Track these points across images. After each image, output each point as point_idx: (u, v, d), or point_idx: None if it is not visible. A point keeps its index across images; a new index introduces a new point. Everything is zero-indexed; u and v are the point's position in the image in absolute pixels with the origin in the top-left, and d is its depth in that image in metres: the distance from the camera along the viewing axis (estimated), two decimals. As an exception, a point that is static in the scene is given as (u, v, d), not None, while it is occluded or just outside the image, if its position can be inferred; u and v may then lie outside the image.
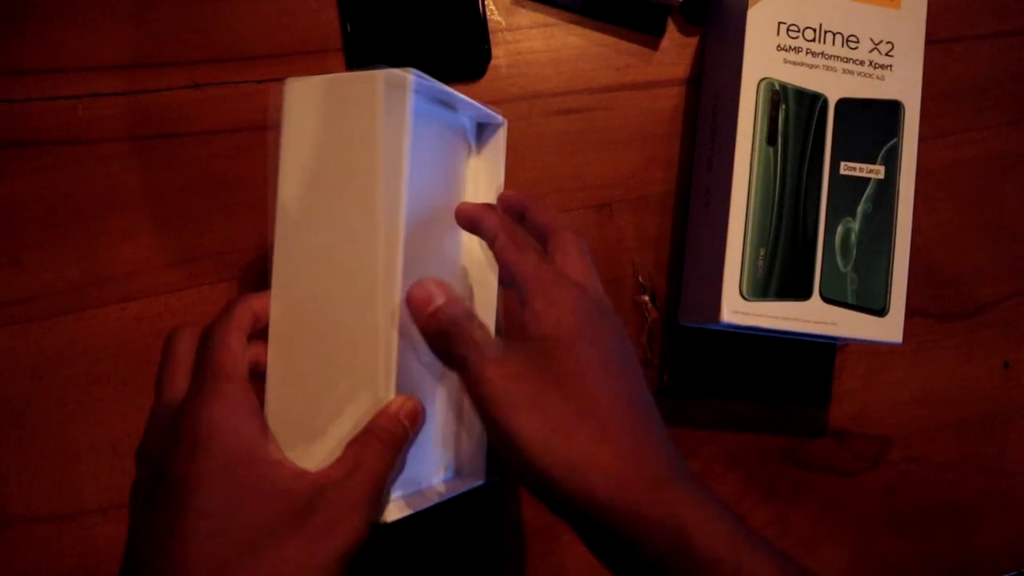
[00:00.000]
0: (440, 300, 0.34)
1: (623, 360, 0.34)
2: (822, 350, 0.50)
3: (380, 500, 0.34)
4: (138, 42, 0.46)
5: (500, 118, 0.42)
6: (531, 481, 0.32)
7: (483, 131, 0.43)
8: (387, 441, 0.34)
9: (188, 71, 0.46)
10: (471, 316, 0.34)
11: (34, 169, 0.45)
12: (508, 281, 0.36)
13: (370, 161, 0.34)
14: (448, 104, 0.40)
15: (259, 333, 0.36)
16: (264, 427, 0.34)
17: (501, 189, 0.42)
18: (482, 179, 0.43)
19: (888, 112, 0.45)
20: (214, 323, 0.35)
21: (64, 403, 0.45)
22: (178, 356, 0.36)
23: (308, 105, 0.36)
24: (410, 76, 0.35)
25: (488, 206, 0.38)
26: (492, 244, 0.36)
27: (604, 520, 0.31)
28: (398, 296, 0.34)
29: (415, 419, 0.35)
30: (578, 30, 0.49)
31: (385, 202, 0.34)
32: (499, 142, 0.43)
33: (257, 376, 0.36)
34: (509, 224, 0.37)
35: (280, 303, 0.36)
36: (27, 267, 0.45)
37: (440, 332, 0.34)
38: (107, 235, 0.46)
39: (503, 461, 0.33)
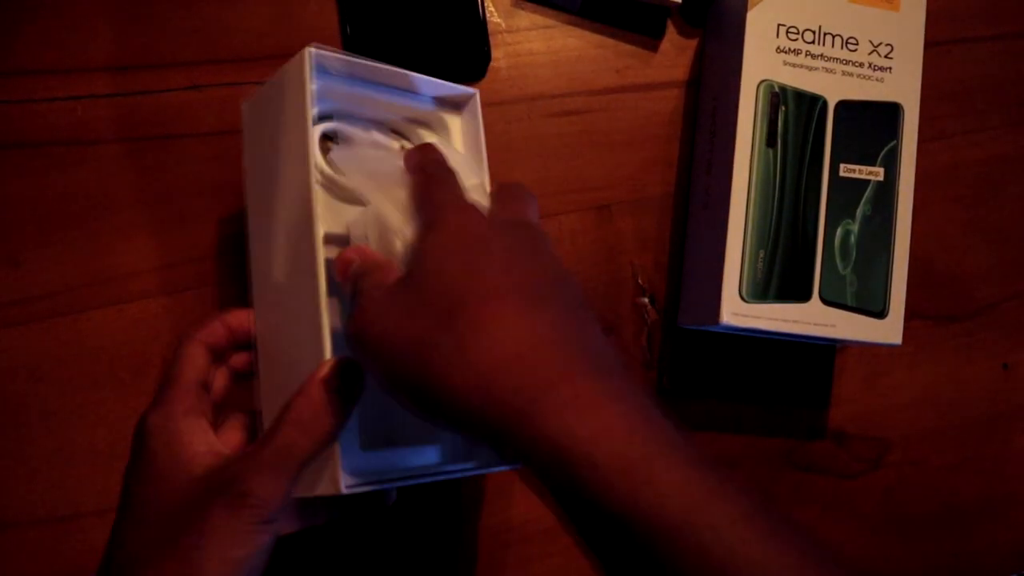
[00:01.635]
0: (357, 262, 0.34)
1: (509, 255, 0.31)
2: (822, 352, 0.50)
3: (298, 469, 0.33)
4: (137, 43, 0.46)
5: (469, 89, 0.41)
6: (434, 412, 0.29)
7: (452, 106, 0.42)
8: (299, 411, 0.33)
9: (188, 72, 0.46)
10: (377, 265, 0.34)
11: (33, 170, 0.45)
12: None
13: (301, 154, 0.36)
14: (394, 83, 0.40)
15: (239, 345, 0.39)
16: (199, 423, 0.36)
17: (484, 162, 0.41)
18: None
19: (887, 114, 0.45)
20: (182, 335, 0.38)
21: (62, 405, 0.45)
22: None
23: (256, 117, 0.39)
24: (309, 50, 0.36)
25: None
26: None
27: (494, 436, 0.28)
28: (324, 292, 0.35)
29: (329, 380, 0.33)
30: (577, 32, 0.49)
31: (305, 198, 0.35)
32: (473, 114, 0.41)
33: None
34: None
35: (259, 313, 0.39)
36: (25, 268, 0.45)
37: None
38: (105, 236, 0.45)
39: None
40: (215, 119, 0.46)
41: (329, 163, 0.38)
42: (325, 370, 0.33)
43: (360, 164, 0.37)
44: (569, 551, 0.47)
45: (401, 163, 0.36)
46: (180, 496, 0.34)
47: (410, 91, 0.41)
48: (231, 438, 0.39)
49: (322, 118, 0.40)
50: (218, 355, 0.39)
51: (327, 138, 0.40)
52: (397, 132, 0.43)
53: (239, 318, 0.39)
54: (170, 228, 0.46)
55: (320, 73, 0.37)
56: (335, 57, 0.37)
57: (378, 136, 0.41)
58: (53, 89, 0.45)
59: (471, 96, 0.42)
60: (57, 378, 0.45)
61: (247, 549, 0.33)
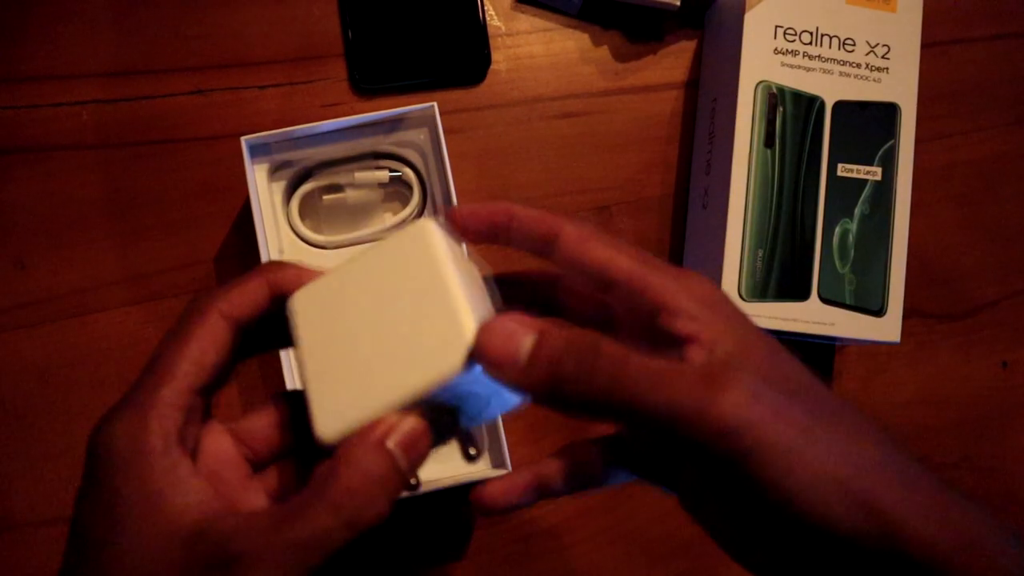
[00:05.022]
0: (528, 340, 0.24)
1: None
2: (821, 350, 0.50)
3: (323, 561, 0.23)
4: (142, 48, 0.46)
5: (426, 104, 0.43)
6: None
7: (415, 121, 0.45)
8: (340, 489, 0.23)
9: (191, 77, 0.47)
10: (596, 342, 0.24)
11: (39, 174, 0.46)
12: (598, 283, 0.26)
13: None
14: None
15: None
16: (180, 446, 0.25)
17: (448, 171, 0.43)
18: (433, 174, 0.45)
19: (885, 114, 0.45)
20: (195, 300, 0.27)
21: (69, 406, 0.45)
22: None
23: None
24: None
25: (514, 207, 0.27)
26: (556, 240, 0.26)
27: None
28: None
29: (413, 449, 0.24)
30: (577, 34, 0.49)
31: None
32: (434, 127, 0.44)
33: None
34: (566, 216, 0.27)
35: None
36: (32, 271, 0.45)
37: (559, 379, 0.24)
38: (111, 239, 0.46)
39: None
40: (219, 123, 0.47)
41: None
42: (384, 428, 0.24)
43: None
44: (570, 550, 0.48)
45: None
46: (154, 562, 0.24)
47: (371, 124, 0.44)
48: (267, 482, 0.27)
49: (302, 177, 0.45)
50: (247, 333, 0.26)
51: (325, 191, 0.45)
52: (383, 155, 0.46)
53: (289, 275, 0.27)
54: (176, 231, 0.46)
55: (282, 145, 0.44)
56: (271, 136, 0.43)
57: (360, 175, 0.45)
58: (58, 94, 0.46)
59: (430, 109, 0.44)
60: (64, 379, 0.45)
61: None
